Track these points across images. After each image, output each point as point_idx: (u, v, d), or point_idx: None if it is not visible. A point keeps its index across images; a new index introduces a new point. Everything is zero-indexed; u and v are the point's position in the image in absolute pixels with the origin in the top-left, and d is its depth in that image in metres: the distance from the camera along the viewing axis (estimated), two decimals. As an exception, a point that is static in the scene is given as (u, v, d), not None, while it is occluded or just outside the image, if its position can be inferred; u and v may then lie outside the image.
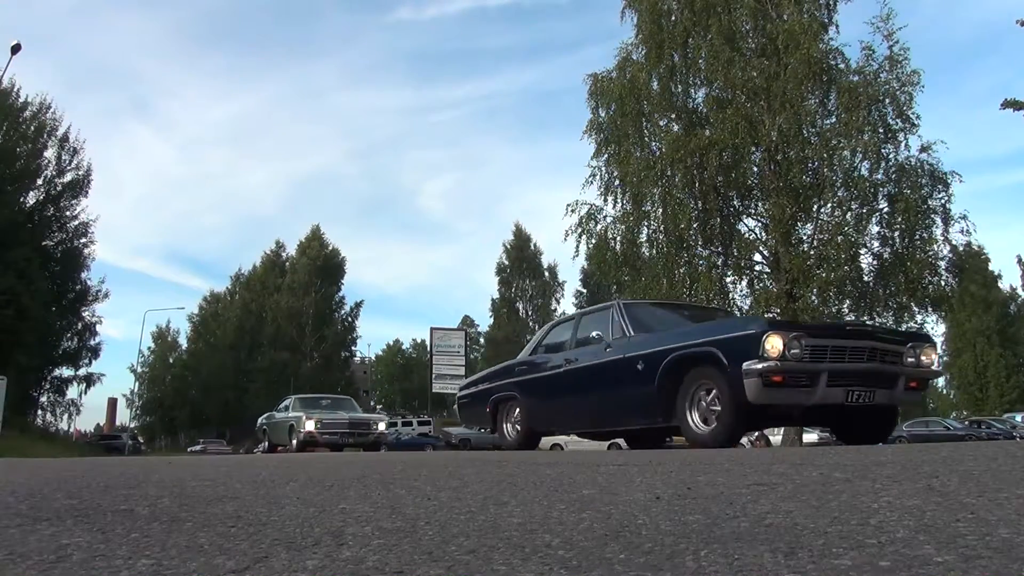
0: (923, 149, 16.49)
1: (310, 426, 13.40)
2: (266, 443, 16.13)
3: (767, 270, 17.86)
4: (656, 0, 18.45)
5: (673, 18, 18.43)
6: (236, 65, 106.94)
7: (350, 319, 54.68)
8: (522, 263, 50.79)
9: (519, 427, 7.29)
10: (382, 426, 15.10)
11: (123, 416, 59.84)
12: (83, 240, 36.50)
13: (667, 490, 2.14)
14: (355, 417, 14.65)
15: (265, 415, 16.99)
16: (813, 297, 16.39)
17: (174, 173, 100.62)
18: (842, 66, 17.15)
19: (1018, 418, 28.65)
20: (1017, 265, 46.40)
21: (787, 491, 1.99)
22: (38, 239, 33.55)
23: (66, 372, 36.98)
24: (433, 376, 45.89)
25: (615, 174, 18.43)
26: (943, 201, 16.47)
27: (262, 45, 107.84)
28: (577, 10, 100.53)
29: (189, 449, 42.52)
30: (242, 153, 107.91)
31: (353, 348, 55.97)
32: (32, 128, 34.00)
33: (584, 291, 49.31)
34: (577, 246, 18.69)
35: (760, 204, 17.97)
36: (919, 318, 16.92)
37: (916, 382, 5.50)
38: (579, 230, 18.55)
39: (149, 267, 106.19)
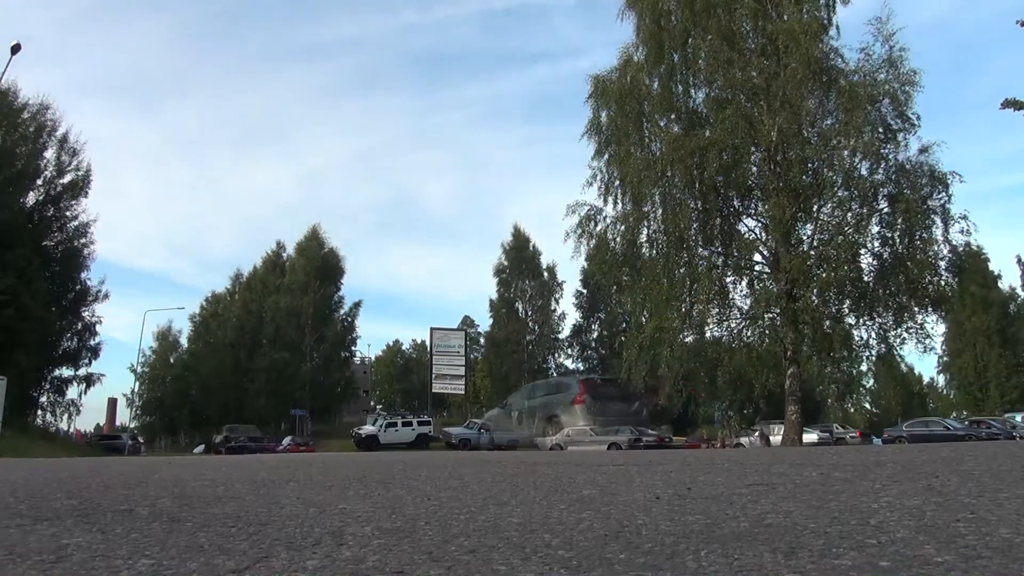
0: (923, 150, 16.50)
1: None
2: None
3: (767, 270, 17.83)
4: (656, 0, 18.45)
5: (673, 18, 18.42)
6: (242, 67, 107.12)
7: (349, 319, 54.59)
8: (521, 264, 50.69)
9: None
10: None
11: (123, 416, 59.78)
12: (83, 240, 36.48)
13: (667, 490, 2.13)
14: None
15: None
16: (813, 297, 16.37)
17: (179, 174, 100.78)
18: (841, 66, 17.15)
19: (1018, 418, 28.57)
20: (1017, 265, 46.37)
21: (787, 491, 1.99)
22: (38, 239, 33.49)
23: (66, 372, 36.90)
24: (433, 376, 45.86)
25: (615, 174, 18.41)
26: (943, 201, 16.48)
27: (268, 47, 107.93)
28: (581, 14, 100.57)
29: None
30: (246, 154, 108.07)
31: (353, 348, 55.89)
32: (32, 129, 33.94)
33: (584, 291, 49.23)
34: (578, 247, 18.69)
35: (760, 204, 17.95)
36: (919, 318, 16.92)
37: None
38: (579, 231, 18.55)
39: (152, 267, 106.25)
